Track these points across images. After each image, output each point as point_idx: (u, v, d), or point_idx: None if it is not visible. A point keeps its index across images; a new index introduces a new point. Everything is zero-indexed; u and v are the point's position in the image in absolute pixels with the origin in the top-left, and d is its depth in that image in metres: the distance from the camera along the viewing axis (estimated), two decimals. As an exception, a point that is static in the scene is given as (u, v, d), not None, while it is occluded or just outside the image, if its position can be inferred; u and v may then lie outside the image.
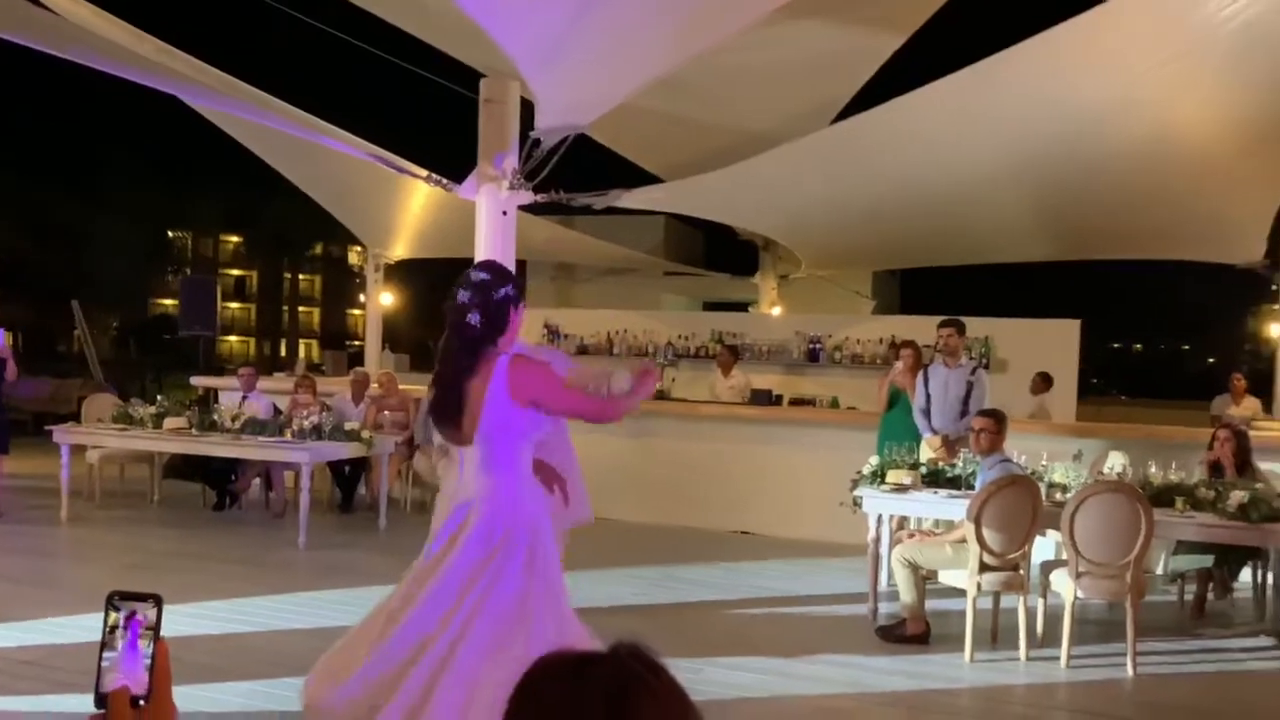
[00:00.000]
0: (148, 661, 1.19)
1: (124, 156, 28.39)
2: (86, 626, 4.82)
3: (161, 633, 1.21)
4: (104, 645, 1.18)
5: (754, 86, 8.11)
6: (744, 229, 12.43)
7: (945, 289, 15.22)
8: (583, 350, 12.56)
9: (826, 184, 7.96)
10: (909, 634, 5.54)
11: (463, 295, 3.15)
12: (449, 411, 3.13)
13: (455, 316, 3.14)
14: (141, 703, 1.18)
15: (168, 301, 39.41)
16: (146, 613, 1.20)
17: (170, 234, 37.45)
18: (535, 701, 0.93)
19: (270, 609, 5.81)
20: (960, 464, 6.17)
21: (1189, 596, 6.56)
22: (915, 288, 17.94)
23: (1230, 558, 6.23)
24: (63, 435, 8.35)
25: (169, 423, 8.29)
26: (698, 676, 4.65)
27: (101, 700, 1.17)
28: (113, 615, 1.19)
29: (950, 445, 6.92)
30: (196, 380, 11.87)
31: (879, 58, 8.26)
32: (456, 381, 3.12)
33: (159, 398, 9.26)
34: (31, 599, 5.70)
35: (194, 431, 8.20)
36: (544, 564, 3.15)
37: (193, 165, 28.74)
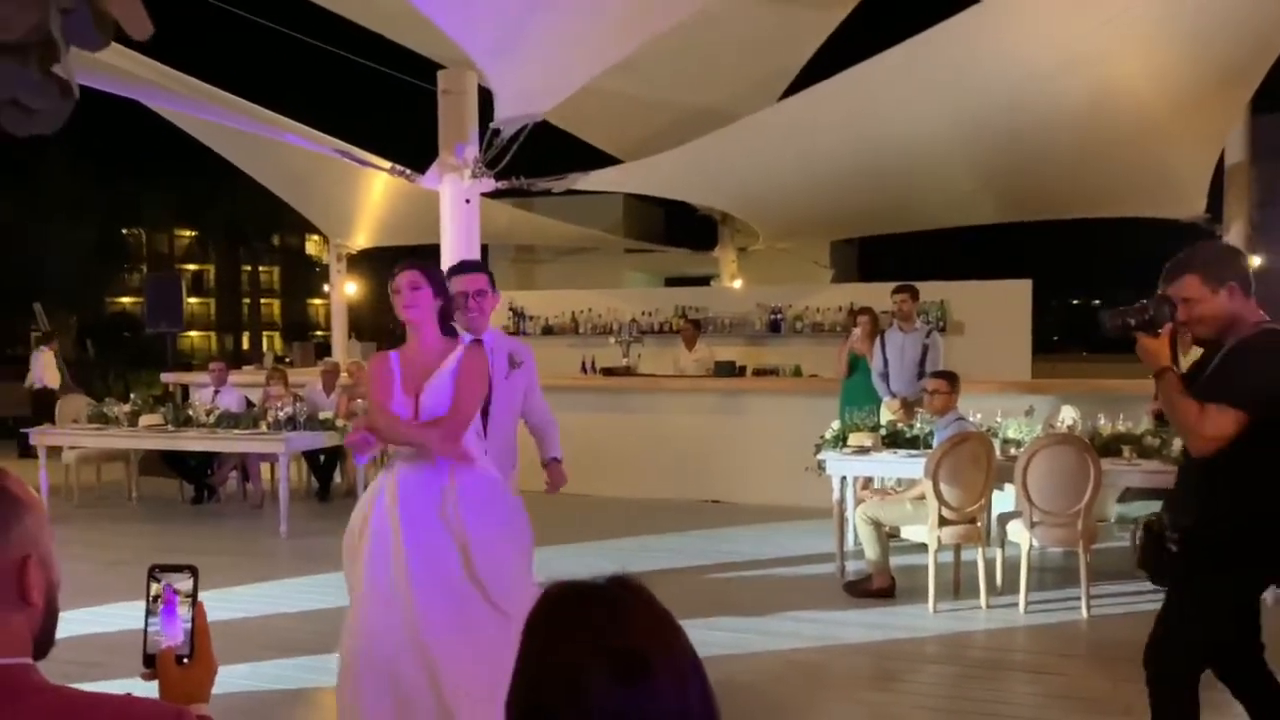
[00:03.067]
0: (188, 625, 1.38)
1: (67, 155, 27.90)
2: (81, 620, 4.93)
3: (198, 597, 1.41)
4: (148, 613, 1.37)
5: (703, 63, 8.26)
6: (702, 204, 12.58)
7: (902, 255, 15.52)
8: (548, 331, 12.68)
9: (780, 158, 8.12)
10: (875, 588, 5.80)
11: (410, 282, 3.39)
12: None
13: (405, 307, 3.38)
14: (185, 660, 1.36)
15: (125, 299, 38.90)
16: (183, 582, 1.40)
17: (124, 231, 36.86)
18: (547, 622, 1.11)
19: (258, 596, 5.96)
20: (918, 424, 6.43)
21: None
22: (872, 255, 18.23)
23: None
24: (40, 437, 8.39)
25: (145, 420, 8.36)
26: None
27: (149, 660, 1.36)
28: (154, 586, 1.39)
29: (909, 407, 7.18)
30: (166, 377, 11.88)
31: (824, 30, 8.45)
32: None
33: (132, 396, 9.31)
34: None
35: (170, 428, 8.28)
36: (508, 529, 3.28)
37: (141, 160, 28.33)
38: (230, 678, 4.53)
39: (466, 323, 3.91)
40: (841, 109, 7.03)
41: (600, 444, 9.00)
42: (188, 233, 42.32)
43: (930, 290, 10.76)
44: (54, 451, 8.70)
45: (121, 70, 6.61)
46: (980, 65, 6.55)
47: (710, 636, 5.04)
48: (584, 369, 11.49)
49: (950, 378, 6.00)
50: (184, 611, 1.38)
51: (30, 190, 27.69)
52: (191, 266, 43.37)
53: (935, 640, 5.19)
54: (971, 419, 6.09)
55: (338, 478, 9.48)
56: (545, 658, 1.08)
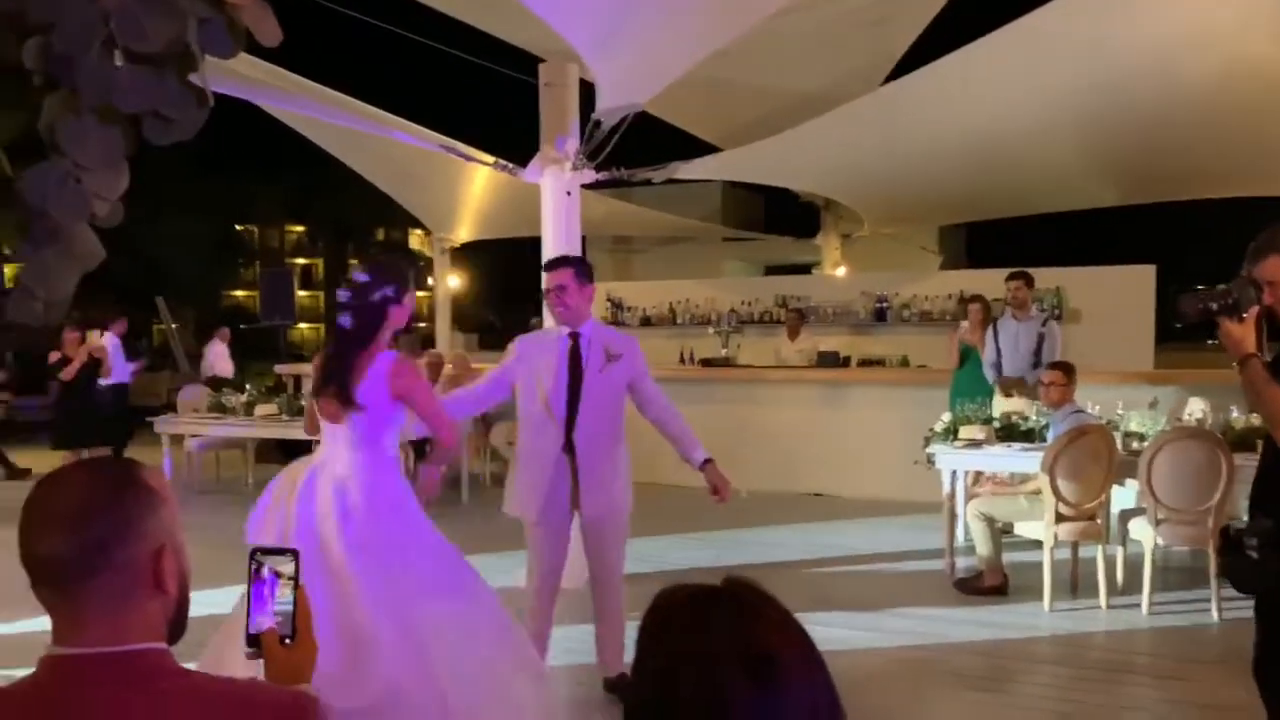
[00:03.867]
0: (289, 607, 1.39)
1: (186, 154, 29.16)
2: (201, 601, 5.11)
3: (300, 580, 1.42)
4: (250, 595, 1.38)
5: (806, 48, 8.09)
6: (804, 191, 12.38)
7: (1014, 240, 14.97)
8: (645, 321, 12.67)
9: (886, 141, 7.92)
10: (987, 586, 5.61)
11: (342, 295, 3.38)
12: (330, 391, 3.28)
13: (337, 314, 3.39)
14: (287, 641, 1.37)
15: (239, 293, 40.49)
16: (285, 565, 1.41)
17: (237, 227, 38.36)
18: (669, 626, 1.08)
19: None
20: (1033, 417, 6.19)
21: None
22: (983, 241, 17.63)
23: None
24: (164, 426, 8.80)
25: (260, 410, 8.67)
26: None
27: (252, 640, 1.37)
28: (256, 569, 1.40)
29: (1017, 385, 6.95)
30: (280, 368, 12.31)
31: (932, 10, 8.19)
32: (339, 368, 3.28)
33: (248, 386, 9.66)
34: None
35: (284, 417, 8.56)
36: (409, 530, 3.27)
37: (253, 158, 29.41)
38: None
39: (556, 317, 3.96)
40: (952, 90, 6.80)
41: (698, 435, 8.94)
42: (298, 228, 43.79)
43: (1045, 277, 10.38)
44: (176, 440, 9.09)
45: (236, 72, 6.83)
46: (1103, 42, 6.25)
47: (816, 633, 4.81)
48: (682, 360, 11.45)
49: (1067, 368, 5.75)
50: (285, 594, 1.40)
51: (152, 190, 29.03)
52: (301, 261, 44.86)
53: (1050, 640, 5.00)
54: (1090, 411, 5.83)
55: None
56: (670, 662, 1.05)
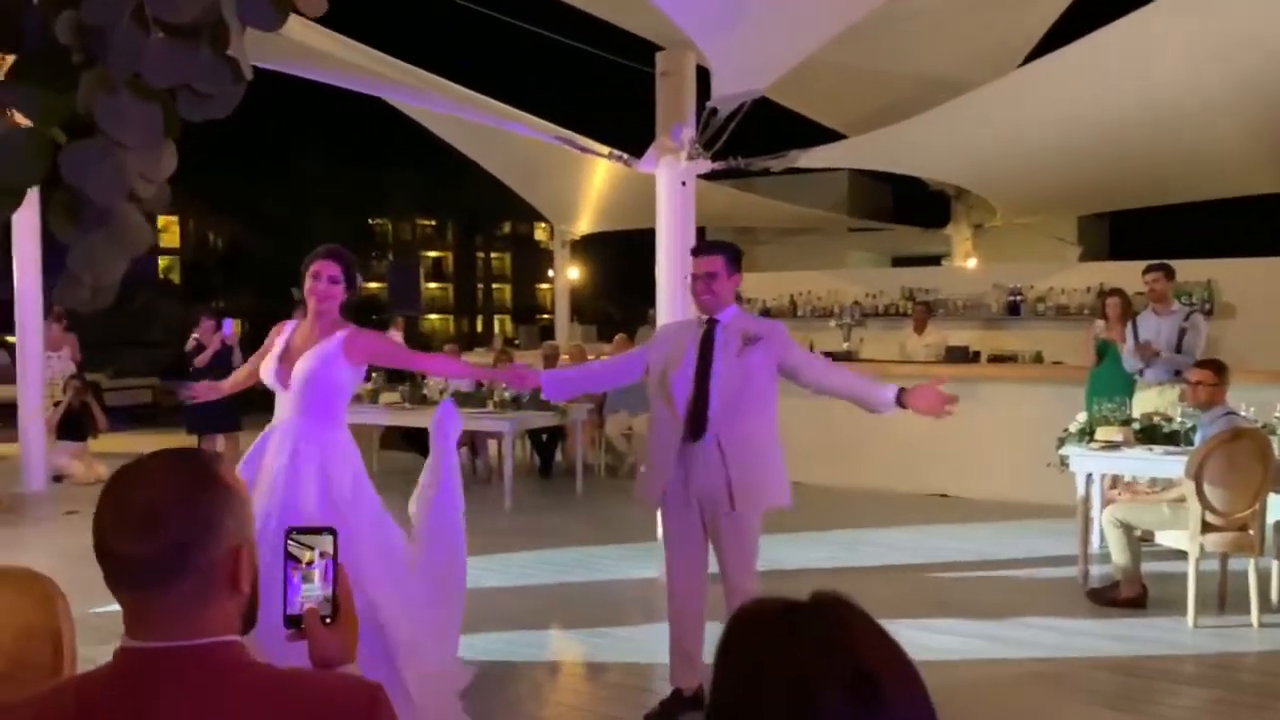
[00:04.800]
0: (329, 586, 1.36)
1: (324, 151, 30.36)
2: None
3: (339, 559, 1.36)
4: (289, 574, 1.35)
5: (936, 30, 7.76)
6: (934, 179, 11.95)
7: (1160, 231, 14.08)
8: (765, 313, 12.49)
9: (1023, 127, 7.52)
10: (1123, 597, 5.27)
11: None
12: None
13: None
14: (328, 620, 1.34)
15: (372, 285, 42.00)
16: (325, 545, 1.37)
17: (370, 221, 39.75)
18: (761, 645, 1.00)
19: (480, 568, 6.17)
20: (1178, 418, 5.79)
21: None
22: (1126, 231, 16.64)
23: None
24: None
25: (384, 398, 8.92)
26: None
27: (291, 621, 1.34)
28: (294, 548, 1.36)
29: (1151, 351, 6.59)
30: (405, 358, 12.62)
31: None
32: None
33: (373, 374, 9.94)
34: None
35: (407, 405, 8.78)
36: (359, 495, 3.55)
37: (387, 154, 30.35)
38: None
39: (700, 305, 3.84)
40: (1096, 71, 6.40)
41: (818, 431, 8.72)
42: (429, 221, 45.08)
43: (1195, 269, 9.74)
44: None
45: (366, 69, 7.01)
46: (1268, 15, 5.75)
47: (934, 640, 4.74)
48: (803, 353, 11.21)
49: (1217, 367, 5.33)
50: (325, 573, 1.36)
51: (292, 185, 30.39)
52: (431, 253, 46.19)
53: (1195, 659, 4.65)
54: (1244, 413, 5.39)
55: (558, 455, 9.73)
56: (762, 681, 0.98)
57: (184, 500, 1.22)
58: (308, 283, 3.71)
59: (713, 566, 3.86)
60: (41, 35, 1.50)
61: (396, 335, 13.95)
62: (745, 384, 3.71)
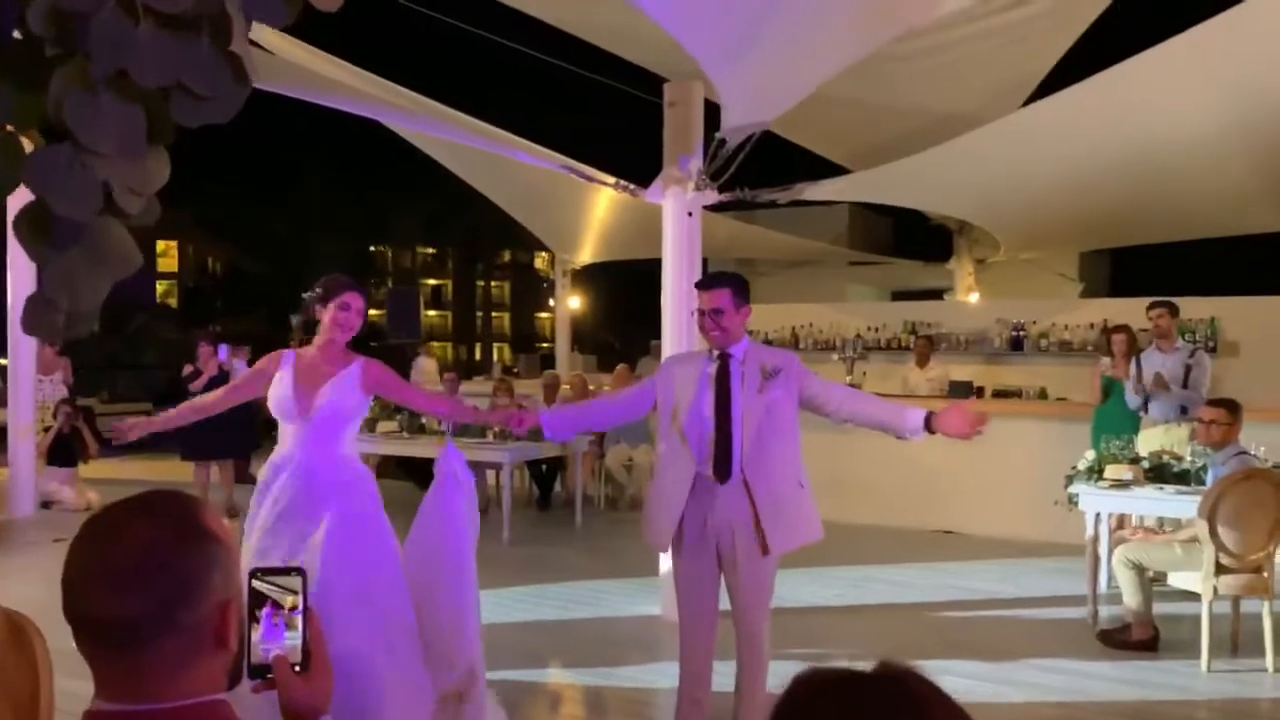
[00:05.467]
0: (298, 632, 1.22)
1: (327, 177, 30.45)
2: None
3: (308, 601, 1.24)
4: (252, 620, 1.21)
5: (941, 67, 7.77)
6: (936, 213, 11.94)
7: (1162, 267, 14.05)
8: (767, 344, 12.42)
9: (1027, 162, 7.51)
10: (1134, 640, 5.18)
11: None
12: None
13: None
14: (296, 668, 1.22)
15: (372, 312, 41.93)
16: (293, 585, 1.23)
17: (372, 247, 39.78)
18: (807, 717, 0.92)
19: (484, 602, 6.05)
20: (1188, 458, 5.71)
21: None
22: (1128, 267, 16.62)
23: None
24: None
25: (381, 426, 8.82)
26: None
27: (256, 671, 1.21)
28: (258, 591, 1.22)
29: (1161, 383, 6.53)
30: (404, 385, 12.55)
31: (1078, 29, 7.76)
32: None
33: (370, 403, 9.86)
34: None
35: (405, 435, 8.69)
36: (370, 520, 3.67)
37: (389, 182, 30.44)
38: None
39: (710, 341, 3.66)
40: (1100, 108, 6.38)
41: (819, 466, 8.59)
42: (429, 249, 45.15)
43: (1199, 306, 9.70)
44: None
45: (370, 94, 7.00)
46: (1272, 54, 5.73)
47: (941, 682, 4.62)
48: (805, 386, 11.13)
49: (1231, 406, 5.26)
50: (293, 618, 1.23)
51: (294, 208, 30.44)
52: (431, 281, 46.23)
53: (1208, 705, 4.57)
54: (1254, 452, 5.32)
55: (557, 487, 9.63)
56: None
57: (169, 553, 1.12)
58: (332, 313, 3.67)
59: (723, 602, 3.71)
60: (15, 24, 1.35)
61: (430, 364, 14.02)
62: (769, 420, 3.54)
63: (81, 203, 1.32)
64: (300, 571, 1.26)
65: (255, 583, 1.23)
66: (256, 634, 1.22)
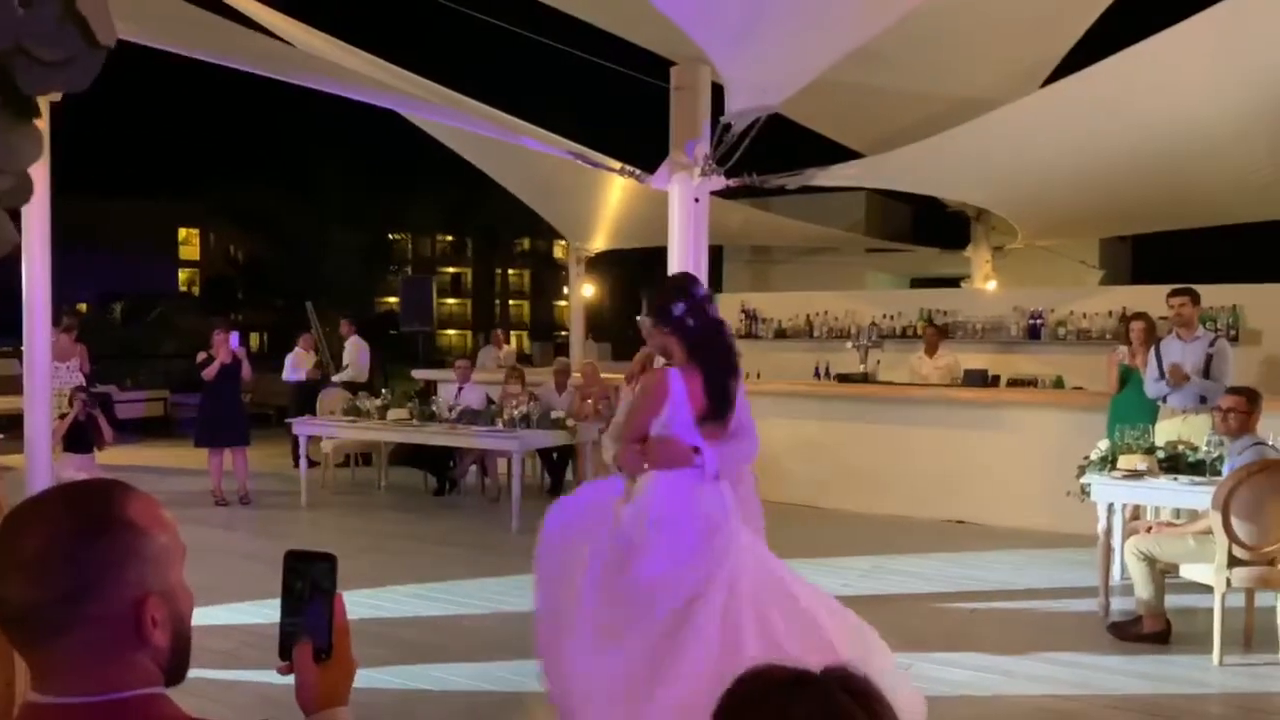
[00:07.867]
0: (326, 620, 1.21)
1: (345, 166, 30.54)
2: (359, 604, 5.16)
3: (337, 589, 1.22)
4: (286, 603, 1.20)
5: (957, 50, 7.65)
6: (953, 200, 11.81)
7: (1184, 255, 13.83)
8: (780, 334, 12.35)
9: (1045, 148, 7.38)
10: (1146, 632, 5.09)
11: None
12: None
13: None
14: (323, 657, 1.20)
15: (391, 300, 42.12)
16: (321, 571, 1.22)
17: (391, 236, 39.89)
18: (744, 715, 0.91)
19: (489, 591, 6.05)
20: (1204, 447, 5.61)
21: None
22: (1149, 254, 16.38)
23: None
24: (301, 427, 9.08)
25: (393, 414, 8.83)
26: (908, 673, 4.44)
27: (285, 653, 1.20)
28: (291, 576, 1.21)
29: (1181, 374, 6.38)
30: (418, 373, 12.59)
31: (1095, 10, 7.61)
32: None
33: (383, 390, 9.86)
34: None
35: (415, 422, 8.69)
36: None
37: (408, 171, 30.48)
38: (453, 675, 4.58)
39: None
40: (1119, 93, 6.26)
41: (833, 455, 8.58)
42: (448, 238, 45.26)
43: (1220, 294, 9.54)
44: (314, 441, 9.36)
45: (385, 84, 6.96)
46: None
47: (947, 674, 4.58)
48: (817, 375, 11.06)
49: (1251, 394, 5.14)
50: (322, 605, 1.22)
51: (313, 198, 30.55)
52: (450, 269, 46.35)
53: (1221, 699, 4.48)
54: (1272, 443, 5.21)
55: (569, 474, 9.61)
56: None
57: (74, 545, 1.09)
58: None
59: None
60: None
61: (499, 353, 13.93)
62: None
63: None
64: (331, 559, 1.24)
65: (288, 568, 1.21)
66: (289, 618, 1.21)
